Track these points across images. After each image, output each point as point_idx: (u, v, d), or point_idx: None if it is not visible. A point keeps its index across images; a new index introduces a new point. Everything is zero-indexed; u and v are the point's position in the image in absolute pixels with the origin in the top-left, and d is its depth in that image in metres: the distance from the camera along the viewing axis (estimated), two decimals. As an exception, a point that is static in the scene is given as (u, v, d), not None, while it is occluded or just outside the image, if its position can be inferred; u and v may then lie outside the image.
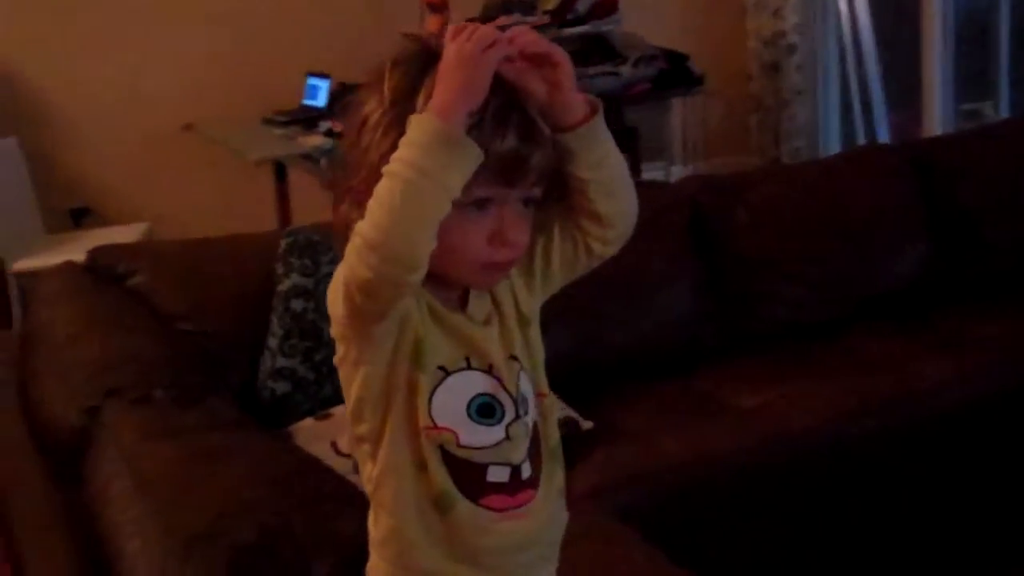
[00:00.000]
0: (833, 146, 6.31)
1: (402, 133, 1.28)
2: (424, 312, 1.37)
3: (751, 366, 3.12)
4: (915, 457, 2.90)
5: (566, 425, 2.69)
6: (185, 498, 1.84)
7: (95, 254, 2.95)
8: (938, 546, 2.95)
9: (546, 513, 1.46)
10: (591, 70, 5.20)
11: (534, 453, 1.45)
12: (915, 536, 2.89)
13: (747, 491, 2.69)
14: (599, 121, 1.38)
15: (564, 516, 1.53)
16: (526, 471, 1.43)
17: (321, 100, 5.19)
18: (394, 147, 1.28)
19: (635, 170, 5.16)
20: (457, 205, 1.29)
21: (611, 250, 1.46)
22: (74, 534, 2.01)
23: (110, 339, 2.51)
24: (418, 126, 1.26)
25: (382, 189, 1.25)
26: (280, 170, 5.07)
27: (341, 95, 5.00)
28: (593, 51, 5.31)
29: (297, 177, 5.05)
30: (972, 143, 3.93)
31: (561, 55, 1.33)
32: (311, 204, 4.50)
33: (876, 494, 2.83)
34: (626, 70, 5.13)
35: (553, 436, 1.49)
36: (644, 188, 3.39)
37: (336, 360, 1.40)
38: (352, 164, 1.35)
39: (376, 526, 1.44)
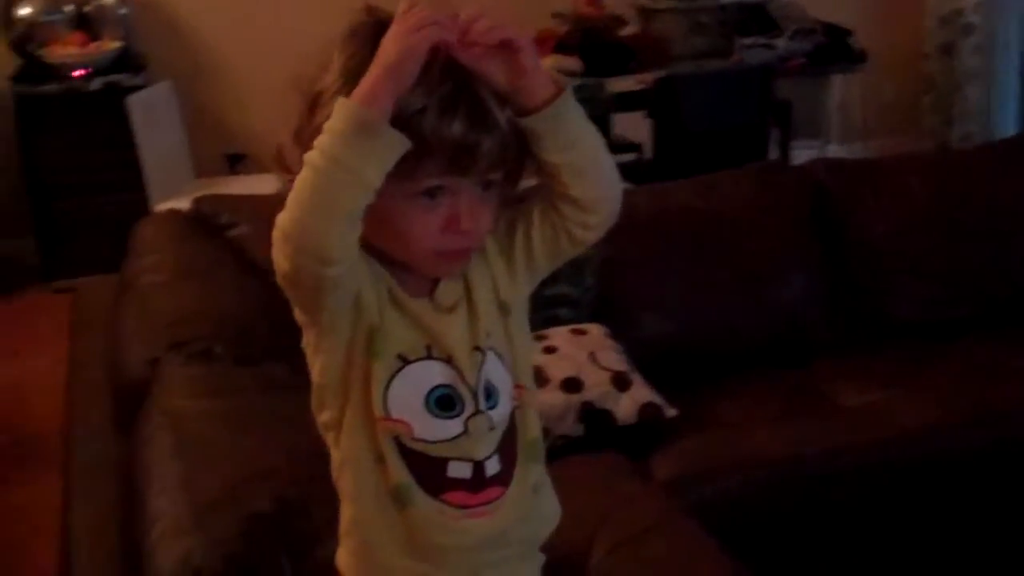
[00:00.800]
0: (1008, 131, 5.96)
1: None
2: (384, 298, 1.30)
3: (864, 363, 2.94)
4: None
5: (648, 410, 2.59)
6: (214, 461, 1.82)
7: (199, 203, 2.96)
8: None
9: (517, 511, 1.38)
10: (746, 40, 5.03)
11: (506, 449, 1.37)
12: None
13: (835, 495, 2.55)
14: (565, 101, 1.28)
15: (546, 512, 1.45)
16: (492, 468, 1.35)
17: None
18: None
19: (785, 147, 4.97)
20: (407, 194, 1.24)
21: (593, 236, 1.36)
22: (122, 482, 2.02)
23: (191, 291, 2.52)
24: (339, 111, 1.19)
25: (299, 178, 1.20)
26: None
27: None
28: (750, 21, 5.13)
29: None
30: None
31: (522, 40, 1.24)
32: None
33: (979, 515, 2.65)
34: (782, 43, 4.93)
35: (532, 431, 1.41)
36: (767, 169, 3.28)
37: (303, 345, 1.35)
38: (304, 144, 1.26)
39: (342, 516, 1.39)
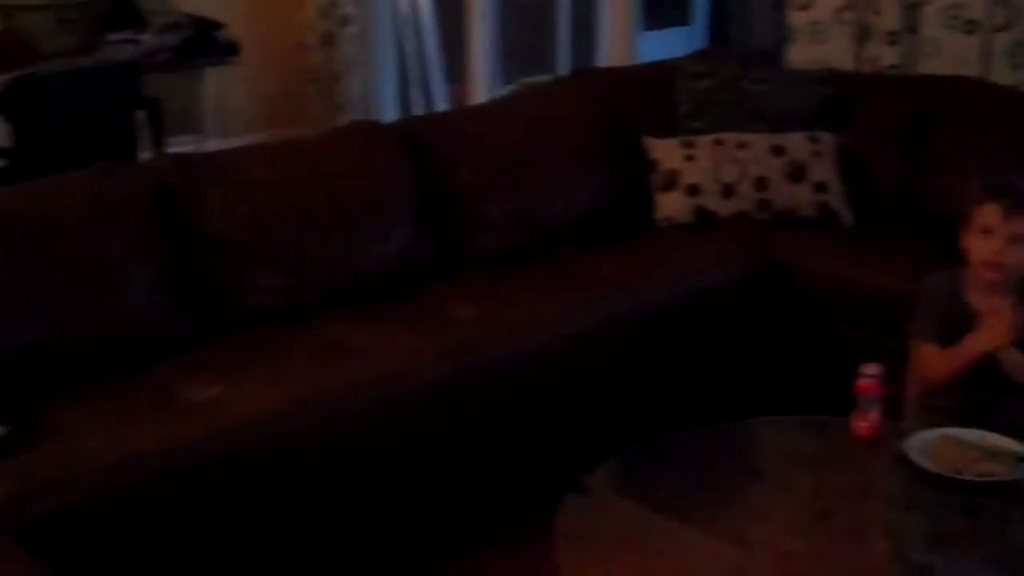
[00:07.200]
0: (389, 117, 6.26)
1: None
2: None
3: (214, 356, 2.94)
4: (365, 450, 2.84)
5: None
6: None
7: None
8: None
9: None
10: (114, 36, 4.91)
11: None
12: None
13: (179, 495, 2.54)
14: None
15: None
16: None
17: None
18: None
19: (158, 144, 4.89)
20: None
21: None
22: None
23: None
24: None
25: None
26: None
27: None
28: (118, 16, 5.02)
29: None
30: (467, 122, 3.92)
31: None
32: None
33: (326, 491, 2.76)
34: (148, 37, 4.85)
35: None
36: (106, 169, 3.17)
37: None
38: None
39: None
